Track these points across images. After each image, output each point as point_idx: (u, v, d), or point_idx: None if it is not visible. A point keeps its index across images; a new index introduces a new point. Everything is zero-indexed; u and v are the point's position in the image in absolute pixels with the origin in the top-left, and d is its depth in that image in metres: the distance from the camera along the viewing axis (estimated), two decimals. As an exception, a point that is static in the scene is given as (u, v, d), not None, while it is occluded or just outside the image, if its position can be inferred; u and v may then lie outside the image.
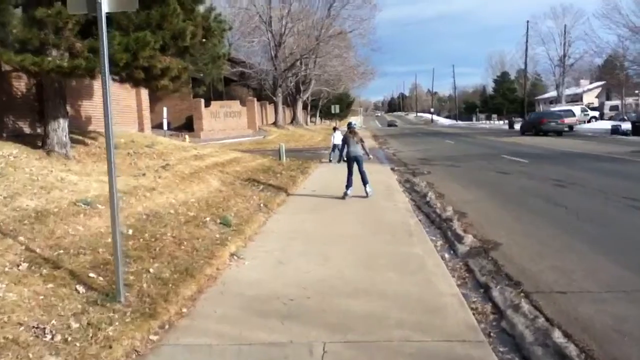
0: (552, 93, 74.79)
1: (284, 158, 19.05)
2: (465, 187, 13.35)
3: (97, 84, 13.61)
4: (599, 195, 11.09)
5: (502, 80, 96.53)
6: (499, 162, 19.41)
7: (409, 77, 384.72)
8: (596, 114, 56.33)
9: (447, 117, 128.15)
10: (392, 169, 17.87)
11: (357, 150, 11.61)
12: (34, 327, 4.04)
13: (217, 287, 5.70)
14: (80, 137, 12.29)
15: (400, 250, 7.19)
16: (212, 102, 35.59)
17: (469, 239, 7.78)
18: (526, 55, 64.49)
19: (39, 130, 11.46)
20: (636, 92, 53.86)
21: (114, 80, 10.58)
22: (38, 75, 9.69)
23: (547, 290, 5.59)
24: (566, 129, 41.71)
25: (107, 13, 4.89)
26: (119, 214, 6.83)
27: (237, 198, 10.72)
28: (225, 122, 36.34)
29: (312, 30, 51.37)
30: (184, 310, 4.99)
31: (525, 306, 5.09)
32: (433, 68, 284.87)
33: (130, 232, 6.95)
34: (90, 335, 4.07)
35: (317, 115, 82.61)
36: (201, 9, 11.22)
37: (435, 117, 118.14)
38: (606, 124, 43.81)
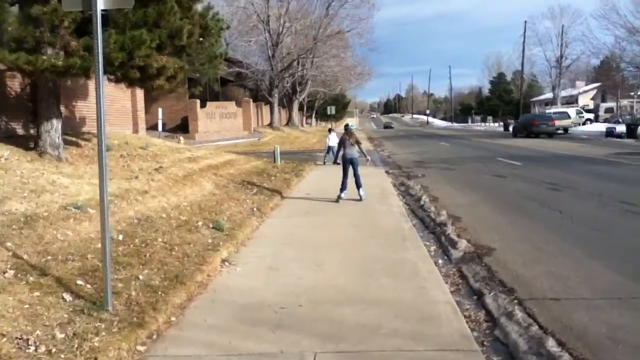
0: (548, 95, 74.87)
1: (279, 160, 18.97)
2: (460, 191, 13.31)
3: (92, 84, 13.46)
4: (594, 199, 11.07)
5: (498, 81, 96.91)
6: (493, 164, 19.39)
7: (406, 78, 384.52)
8: (591, 116, 56.42)
9: (443, 119, 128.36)
10: (387, 172, 17.80)
11: (352, 152, 11.59)
12: (17, 338, 3.94)
13: (207, 295, 5.62)
14: (74, 139, 12.19)
15: (394, 256, 7.13)
16: (208, 103, 35.43)
17: (462, 244, 7.72)
18: (523, 56, 64.72)
19: (32, 131, 11.35)
20: (631, 94, 53.95)
21: (109, 80, 10.47)
22: (32, 74, 9.57)
23: (541, 297, 5.54)
24: (560, 131, 42.13)
25: (102, 10, 4.78)
26: (110, 218, 6.75)
27: (230, 202, 10.65)
28: (220, 123, 36.23)
29: (309, 30, 51.24)
30: (173, 319, 4.90)
31: (519, 314, 5.02)
32: (430, 69, 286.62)
33: (121, 237, 6.86)
34: (76, 346, 3.98)
35: (313, 117, 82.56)
36: (199, 7, 11.11)
37: (430, 119, 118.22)
38: (601, 127, 43.89)
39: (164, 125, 28.21)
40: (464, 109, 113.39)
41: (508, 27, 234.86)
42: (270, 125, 49.86)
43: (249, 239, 8.18)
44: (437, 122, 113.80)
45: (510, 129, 49.22)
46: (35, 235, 6.11)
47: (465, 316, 5.07)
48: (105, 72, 9.43)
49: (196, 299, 5.48)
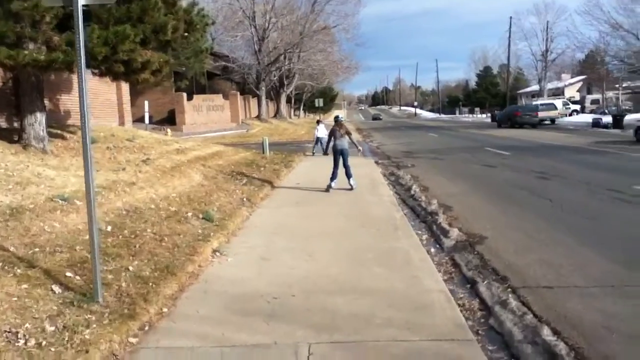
0: (535, 87, 75.36)
1: (268, 151, 18.87)
2: (450, 180, 13.31)
3: (76, 78, 13.29)
4: (583, 188, 11.10)
5: (484, 74, 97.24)
6: (482, 154, 19.43)
7: (393, 71, 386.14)
8: (578, 107, 56.96)
9: (431, 110, 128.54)
10: (376, 162, 17.77)
11: (343, 143, 11.60)
12: (6, 331, 3.85)
13: (199, 285, 5.55)
14: (59, 131, 12.01)
15: (386, 245, 7.09)
16: (195, 96, 35.17)
17: (454, 232, 7.70)
18: (509, 50, 64.90)
19: (16, 125, 11.17)
20: (616, 86, 54.27)
21: (93, 74, 10.35)
22: (14, 69, 9.45)
23: (534, 285, 5.52)
24: (547, 121, 42.80)
25: (84, 6, 4.70)
26: (98, 209, 6.64)
27: (219, 192, 10.55)
28: (208, 115, 36.00)
29: (296, 25, 50.97)
30: (165, 310, 4.83)
31: (513, 302, 5.00)
32: (417, 63, 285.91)
33: (109, 228, 6.76)
34: (66, 339, 3.90)
35: (301, 109, 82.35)
36: (183, 3, 11.04)
37: (418, 111, 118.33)
38: (587, 117, 44.35)
39: (150, 117, 27.96)
40: (451, 101, 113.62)
41: (493, 22, 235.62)
42: (258, 117, 49.63)
43: (239, 229, 8.11)
44: (425, 114, 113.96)
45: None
46: (22, 227, 5.99)
47: (459, 305, 5.04)
48: (88, 66, 9.38)
49: (188, 289, 5.41)
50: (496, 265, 6.24)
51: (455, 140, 28.33)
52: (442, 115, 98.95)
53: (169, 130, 27.42)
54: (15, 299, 4.36)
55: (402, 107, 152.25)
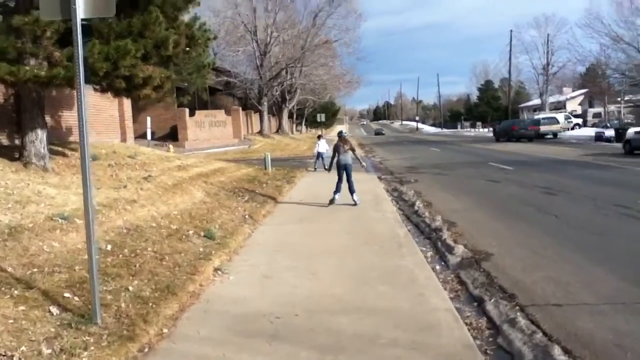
0: (536, 101, 75.39)
1: (270, 167, 18.81)
2: (454, 196, 13.20)
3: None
4: (589, 203, 10.98)
5: (486, 88, 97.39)
6: (485, 169, 19.33)
7: (394, 85, 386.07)
8: (580, 121, 56.93)
9: (432, 125, 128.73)
10: (379, 178, 17.68)
11: (347, 158, 11.62)
12: (1, 354, 3.75)
13: (200, 305, 5.44)
14: (60, 149, 11.96)
15: (390, 263, 6.97)
16: (197, 112, 35.26)
17: (459, 249, 7.58)
18: (510, 64, 65.04)
19: (17, 142, 11.12)
20: (618, 99, 54.33)
21: (94, 90, 10.31)
22: (15, 85, 9.41)
23: (543, 303, 5.40)
24: (549, 135, 43.05)
25: (84, 20, 4.66)
26: (97, 228, 6.56)
27: (221, 209, 10.46)
28: (210, 131, 36.04)
29: (297, 40, 51.25)
30: (165, 331, 4.71)
31: (522, 321, 4.88)
32: (418, 77, 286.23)
33: (109, 247, 6.66)
34: (63, 362, 3.80)
35: (303, 124, 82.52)
36: (185, 18, 11.02)
37: (420, 125, 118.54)
38: (590, 131, 44.31)
39: (153, 134, 27.97)
40: (453, 115, 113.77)
41: (494, 36, 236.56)
42: (260, 132, 49.71)
43: (241, 247, 8.00)
44: (427, 128, 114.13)
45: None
46: (20, 247, 5.90)
47: (466, 324, 4.93)
48: (90, 82, 9.36)
49: (188, 309, 5.29)
50: (503, 282, 6.11)
51: (457, 155, 28.25)
52: (444, 130, 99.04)
53: (171, 146, 27.40)
54: (12, 321, 4.26)
55: (404, 122, 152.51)
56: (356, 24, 61.51)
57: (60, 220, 7.02)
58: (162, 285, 5.61)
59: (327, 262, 7.03)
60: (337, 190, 11.61)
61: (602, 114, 59.27)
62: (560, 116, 51.66)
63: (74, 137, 14.10)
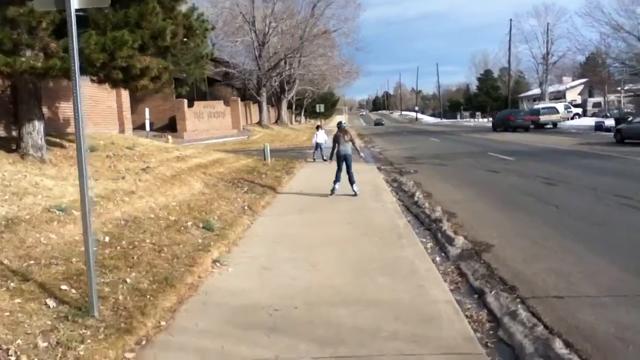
0: (536, 90, 75.21)
1: (269, 158, 18.75)
2: (453, 186, 13.15)
3: (74, 85, 13.17)
4: (589, 193, 10.94)
5: (485, 78, 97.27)
6: (485, 159, 19.27)
7: (393, 75, 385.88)
8: (579, 110, 56.79)
9: (432, 115, 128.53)
10: (379, 168, 17.62)
11: (346, 149, 11.65)
12: (-4, 348, 3.71)
13: (198, 297, 5.40)
14: (58, 140, 11.88)
15: (390, 254, 6.93)
16: (196, 103, 35.16)
17: (459, 240, 7.54)
18: (509, 53, 64.85)
19: (14, 133, 11.04)
20: (618, 89, 54.16)
21: (92, 80, 10.23)
22: (11, 76, 9.32)
23: (543, 295, 5.36)
24: (549, 125, 42.95)
25: (79, 10, 4.58)
26: (95, 220, 6.51)
27: (220, 201, 10.41)
28: (209, 122, 35.94)
29: (296, 30, 51.09)
30: (163, 323, 4.67)
31: (523, 313, 4.83)
32: (417, 67, 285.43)
33: (107, 239, 6.61)
34: (59, 355, 3.75)
35: (302, 115, 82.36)
36: (183, 8, 10.91)
37: (419, 116, 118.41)
38: (590, 121, 44.23)
39: (151, 124, 27.84)
40: (452, 105, 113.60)
41: (493, 25, 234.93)
42: (259, 123, 49.63)
43: (240, 239, 7.95)
44: (426, 119, 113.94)
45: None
46: (17, 239, 5.85)
47: (467, 316, 4.89)
48: (87, 73, 9.27)
49: (187, 301, 5.25)
50: (504, 274, 6.07)
51: (457, 145, 28.16)
52: (444, 120, 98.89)
53: (169, 137, 27.32)
54: (8, 314, 4.22)
55: (403, 112, 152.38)
56: (355, 13, 61.38)
57: (57, 212, 6.97)
58: (160, 277, 5.56)
59: (326, 254, 6.98)
60: (337, 179, 11.64)
61: (602, 103, 59.09)
62: (560, 106, 51.50)
63: (71, 129, 14.01)
